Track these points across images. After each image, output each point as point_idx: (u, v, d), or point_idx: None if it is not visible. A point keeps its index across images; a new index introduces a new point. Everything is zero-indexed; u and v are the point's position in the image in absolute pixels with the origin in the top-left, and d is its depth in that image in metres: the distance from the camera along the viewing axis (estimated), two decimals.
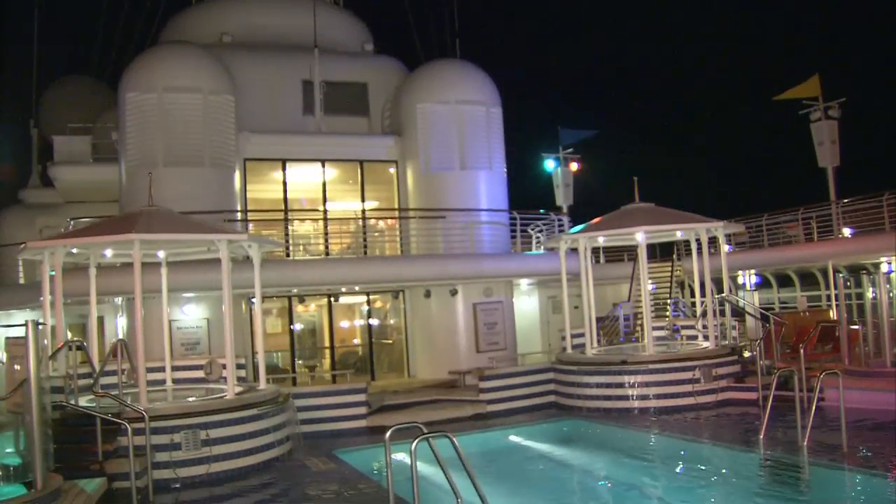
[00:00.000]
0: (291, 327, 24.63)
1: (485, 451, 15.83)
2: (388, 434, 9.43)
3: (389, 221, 26.67)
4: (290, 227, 24.51)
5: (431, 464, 9.33)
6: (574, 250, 21.15)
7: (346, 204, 26.57)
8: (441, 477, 9.25)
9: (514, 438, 16.98)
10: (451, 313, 23.86)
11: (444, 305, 23.92)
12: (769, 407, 13.63)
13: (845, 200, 28.71)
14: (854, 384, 16.15)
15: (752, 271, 32.36)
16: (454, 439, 8.78)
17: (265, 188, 25.50)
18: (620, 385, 18.25)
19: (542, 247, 25.37)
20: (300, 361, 25.30)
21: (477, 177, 25.03)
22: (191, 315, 22.04)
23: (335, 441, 16.38)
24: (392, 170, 26.26)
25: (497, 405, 19.00)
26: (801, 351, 16.00)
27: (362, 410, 17.75)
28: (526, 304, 27.69)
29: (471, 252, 23.38)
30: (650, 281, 28.96)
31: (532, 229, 26.17)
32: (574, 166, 36.48)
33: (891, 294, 17.96)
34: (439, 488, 9.84)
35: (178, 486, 13.05)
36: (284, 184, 24.91)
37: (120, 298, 21.99)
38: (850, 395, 14.96)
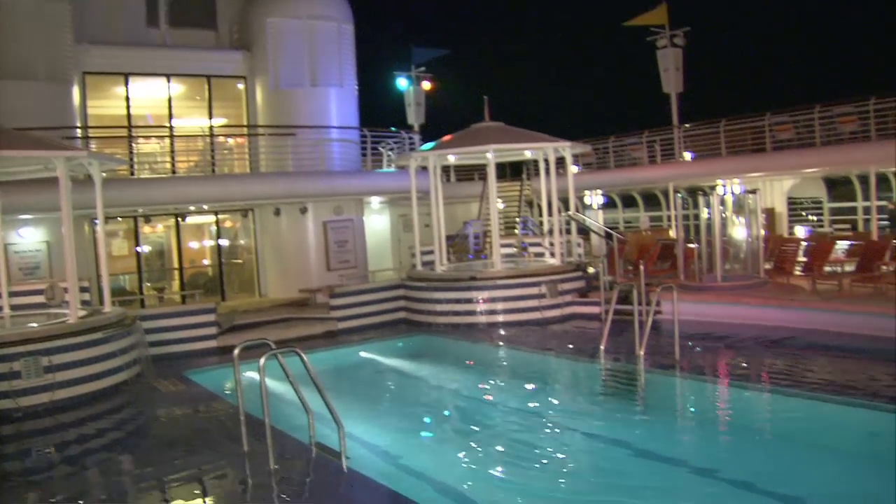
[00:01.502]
0: (138, 249, 23.97)
1: (336, 368, 16.00)
2: (236, 351, 9.45)
3: (238, 139, 26.12)
4: (134, 145, 23.70)
5: (284, 381, 9.42)
6: (424, 168, 21.30)
7: (193, 121, 25.85)
8: (293, 394, 9.37)
9: (364, 355, 17.19)
10: (301, 232, 23.77)
11: (295, 224, 23.79)
12: (609, 320, 14.28)
13: (687, 126, 29.95)
14: (689, 298, 17.15)
15: (599, 191, 33.39)
16: (302, 355, 8.86)
17: (107, 104, 24.48)
18: (469, 301, 18.69)
19: (393, 165, 25.43)
20: (148, 284, 24.73)
21: (327, 94, 24.73)
22: (28, 238, 21.14)
23: (186, 362, 16.17)
24: (241, 86, 25.64)
25: (348, 322, 19.15)
26: (642, 267, 16.74)
27: (212, 331, 17.56)
28: (377, 222, 27.84)
29: (321, 170, 23.22)
30: (500, 200, 29.53)
31: (383, 147, 26.16)
32: (426, 85, 36.50)
33: (724, 215, 18.95)
34: (291, 405, 9.95)
35: (19, 415, 12.61)
36: (127, 99, 23.98)
37: None
38: (684, 308, 15.89)
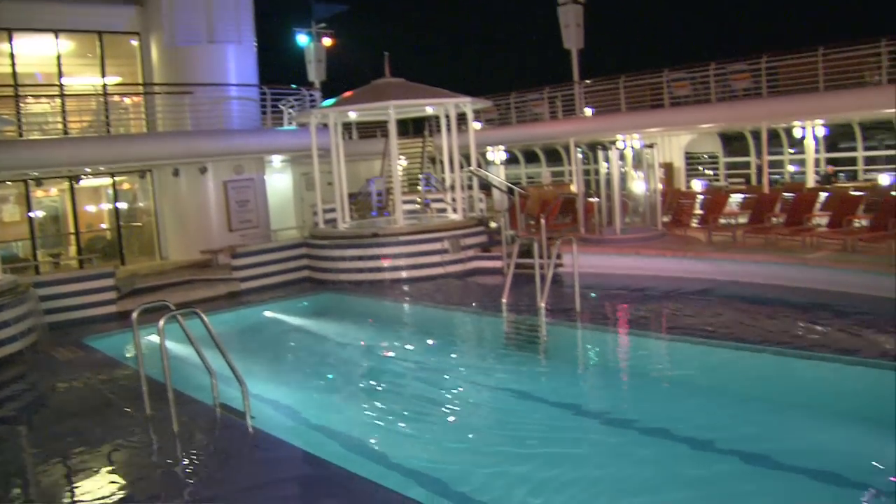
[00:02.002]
0: (31, 214, 23.16)
1: (240, 329, 15.90)
2: (134, 315, 9.31)
3: (134, 98, 25.38)
4: (21, 105, 22.79)
5: (188, 344, 9.32)
6: (326, 126, 21.10)
7: (85, 79, 24.98)
8: (197, 356, 9.29)
9: (268, 314, 17.08)
10: (201, 192, 23.30)
11: (194, 184, 23.31)
12: (511, 274, 14.48)
13: (587, 82, 30.24)
14: (589, 251, 17.47)
15: (501, 147, 33.63)
16: (203, 316, 8.77)
17: None
18: (372, 258, 18.70)
19: (294, 123, 25.12)
20: (43, 250, 23.97)
21: (225, 51, 24.14)
22: None
23: (85, 329, 15.76)
24: (134, 42, 24.81)
25: (251, 282, 18.99)
26: (543, 222, 16.98)
27: (111, 295, 17.16)
28: (279, 181, 27.51)
29: (220, 129, 22.76)
30: (402, 156, 29.52)
31: (283, 105, 25.77)
32: (327, 42, 36.02)
33: (623, 169, 19.31)
34: (196, 367, 9.85)
35: None
36: (12, 56, 23.00)
37: None
38: (585, 260, 16.18)
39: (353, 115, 22.39)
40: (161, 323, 8.49)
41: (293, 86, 26.93)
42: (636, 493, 7.22)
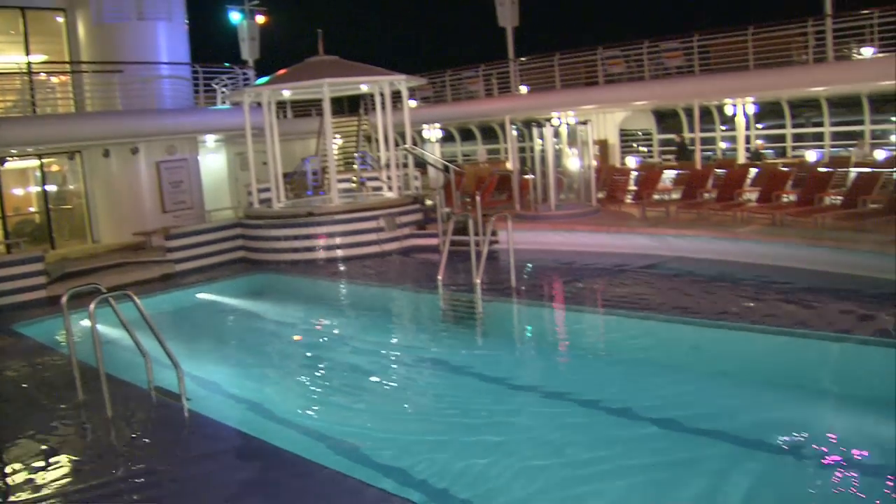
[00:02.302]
0: None
1: (175, 311, 15.73)
2: (64, 299, 9.15)
3: (61, 77, 24.76)
4: None
5: (122, 328, 9.18)
6: (259, 105, 20.86)
7: (8, 57, 24.28)
8: (131, 340, 9.15)
9: (204, 296, 16.91)
10: (133, 173, 22.85)
11: (126, 165, 22.84)
12: (447, 251, 14.51)
13: (522, 59, 30.30)
14: (525, 227, 17.61)
15: (437, 125, 33.59)
16: (135, 298, 8.64)
17: None
18: (307, 237, 18.59)
19: (227, 102, 24.78)
20: None
21: (156, 28, 23.64)
22: None
23: (14, 315, 15.34)
24: (60, 19, 24.17)
25: (185, 264, 18.74)
26: (478, 198, 17.03)
27: (41, 280, 16.77)
28: (213, 161, 27.13)
29: (151, 108, 22.34)
30: (338, 135, 29.33)
31: (216, 84, 25.39)
32: (260, 19, 35.49)
33: (557, 146, 19.44)
34: (130, 351, 9.68)
35: None
36: None
37: None
38: (521, 237, 16.33)
39: (286, 94, 22.16)
40: (92, 307, 8.34)
41: (226, 64, 26.56)
42: (570, 460, 7.37)
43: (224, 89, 25.29)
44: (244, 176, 25.37)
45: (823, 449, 7.29)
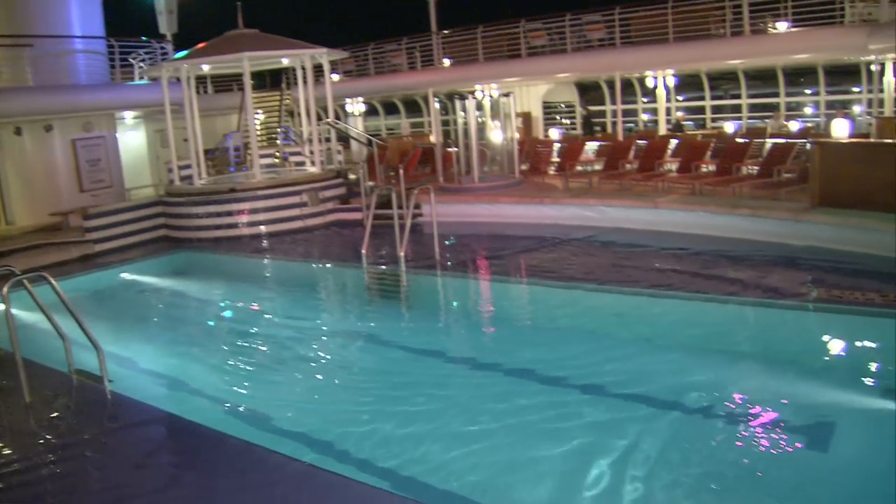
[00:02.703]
0: None
1: (96, 292, 15.36)
2: None
3: None
4: None
5: (37, 311, 8.96)
6: (179, 80, 20.45)
7: None
8: (48, 323, 8.94)
9: (125, 276, 16.57)
10: (47, 152, 22.18)
11: (40, 143, 22.16)
12: (370, 225, 14.48)
13: (445, 32, 30.19)
14: (448, 199, 17.66)
15: (360, 99, 33.36)
16: (51, 279, 8.43)
17: None
18: (230, 213, 18.37)
19: (145, 77, 24.23)
20: None
21: (68, 1, 22.99)
22: None
23: None
24: None
25: (105, 244, 18.33)
26: (402, 172, 17.01)
27: None
28: (132, 138, 26.49)
29: (65, 84, 21.72)
30: (260, 110, 28.95)
31: (133, 59, 24.80)
32: None
33: (480, 119, 19.50)
34: (48, 334, 9.44)
35: None
36: None
37: None
38: (445, 209, 16.38)
39: (206, 68, 21.77)
40: (5, 289, 8.11)
41: (143, 38, 25.93)
42: (495, 427, 7.46)
43: (141, 64, 24.71)
44: (165, 153, 24.88)
45: (733, 406, 7.58)
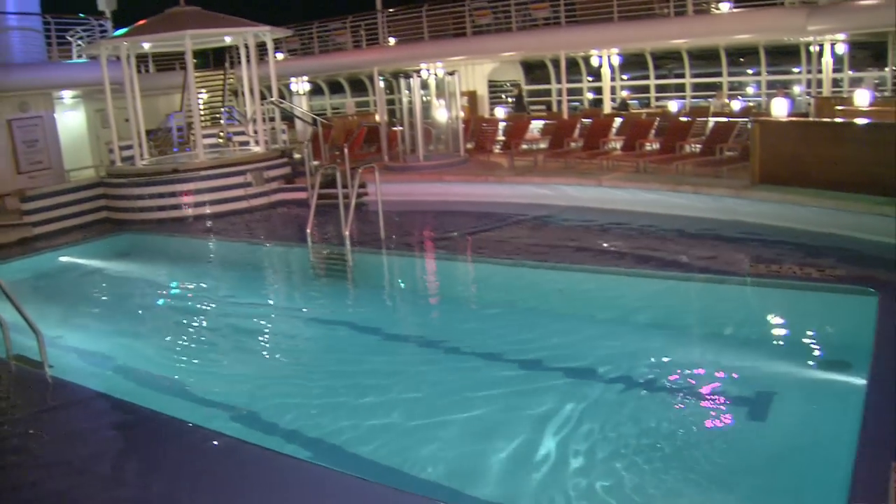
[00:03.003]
0: None
1: (35, 276, 15.04)
2: None
3: None
4: None
5: None
6: (119, 58, 20.07)
7: None
8: None
9: (65, 259, 16.25)
10: None
11: None
12: (314, 204, 14.42)
13: (390, 10, 30.00)
14: (394, 178, 17.61)
15: (304, 78, 33.06)
16: None
17: None
18: (173, 194, 18.09)
19: (83, 55, 23.74)
20: None
21: None
22: None
23: None
24: None
25: (44, 227, 17.92)
26: (346, 151, 16.92)
27: None
28: (71, 118, 25.96)
29: None
30: (203, 89, 28.55)
31: (71, 36, 24.28)
32: None
33: (425, 98, 19.44)
34: None
35: None
36: None
37: None
38: (390, 188, 16.33)
39: (146, 47, 21.38)
40: None
41: (81, 15, 25.39)
42: (442, 400, 7.53)
43: (80, 42, 24.20)
44: (105, 134, 24.43)
45: (673, 378, 7.76)
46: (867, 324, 7.96)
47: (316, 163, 18.71)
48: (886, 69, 24.12)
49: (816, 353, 8.27)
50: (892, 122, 13.89)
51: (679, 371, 7.92)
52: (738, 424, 6.74)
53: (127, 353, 9.98)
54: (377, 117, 26.73)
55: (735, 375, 7.63)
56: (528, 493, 5.86)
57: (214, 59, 32.57)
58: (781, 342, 8.91)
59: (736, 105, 23.15)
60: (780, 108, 15.31)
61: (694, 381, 7.69)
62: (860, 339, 7.70)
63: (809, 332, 8.98)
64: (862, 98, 17.89)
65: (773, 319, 9.78)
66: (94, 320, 11.86)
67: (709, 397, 7.31)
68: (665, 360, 8.22)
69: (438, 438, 6.76)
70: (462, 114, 20.54)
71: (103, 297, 13.58)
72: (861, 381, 6.75)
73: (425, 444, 6.68)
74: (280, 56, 30.88)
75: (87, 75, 22.53)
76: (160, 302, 13.08)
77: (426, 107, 19.47)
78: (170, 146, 22.56)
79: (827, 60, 21.85)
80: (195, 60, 19.64)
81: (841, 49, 23.26)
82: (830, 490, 5.35)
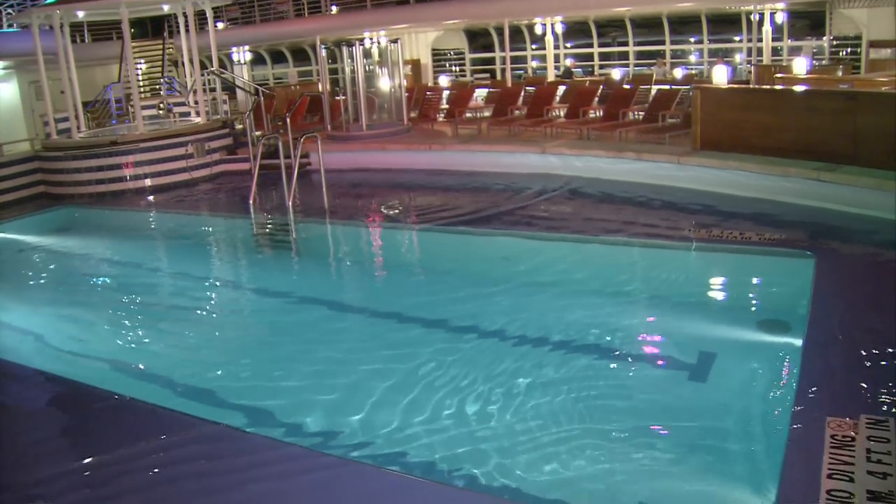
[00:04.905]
0: None
1: None
2: None
3: None
4: None
5: None
6: (52, 28, 19.56)
7: None
8: None
9: (2, 235, 15.88)
10: None
11: None
12: (256, 174, 14.25)
13: None
14: (337, 148, 17.52)
15: (246, 47, 32.61)
16: None
17: None
18: (112, 167, 17.70)
19: (14, 24, 23.10)
20: None
21: None
22: None
23: None
24: None
25: None
26: (289, 121, 16.74)
27: None
28: (4, 90, 25.39)
29: None
30: (142, 60, 27.98)
31: (1, 5, 23.64)
32: None
33: (368, 67, 19.29)
34: None
35: None
36: None
37: None
38: (333, 158, 16.24)
39: (81, 15, 20.83)
40: None
41: None
42: (390, 370, 7.43)
43: (10, 10, 23.57)
44: (40, 106, 23.87)
45: (616, 342, 7.85)
46: (804, 285, 8.11)
47: (258, 133, 18.49)
48: (824, 38, 24.50)
49: (757, 314, 8.38)
50: (829, 90, 14.13)
51: (621, 335, 7.98)
52: (680, 386, 6.80)
53: (68, 331, 9.78)
54: (320, 87, 26.52)
55: (676, 338, 7.71)
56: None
57: (153, 28, 31.93)
58: (723, 305, 9.03)
59: (678, 73, 23.33)
60: (720, 76, 15.45)
61: (634, 345, 7.78)
62: (798, 301, 7.84)
63: (750, 295, 9.15)
64: (800, 66, 18.18)
65: (715, 283, 9.92)
66: (34, 298, 11.57)
67: (649, 359, 7.42)
68: (606, 324, 8.27)
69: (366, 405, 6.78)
70: (405, 82, 20.41)
71: (42, 274, 13.29)
72: (798, 341, 6.88)
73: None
74: (220, 25, 30.44)
75: (18, 45, 22.01)
76: (101, 277, 12.83)
77: (369, 76, 19.31)
78: (108, 118, 22.10)
79: (767, 29, 22.10)
80: (133, 30, 19.23)
81: (780, 18, 23.57)
82: (770, 443, 5.51)
